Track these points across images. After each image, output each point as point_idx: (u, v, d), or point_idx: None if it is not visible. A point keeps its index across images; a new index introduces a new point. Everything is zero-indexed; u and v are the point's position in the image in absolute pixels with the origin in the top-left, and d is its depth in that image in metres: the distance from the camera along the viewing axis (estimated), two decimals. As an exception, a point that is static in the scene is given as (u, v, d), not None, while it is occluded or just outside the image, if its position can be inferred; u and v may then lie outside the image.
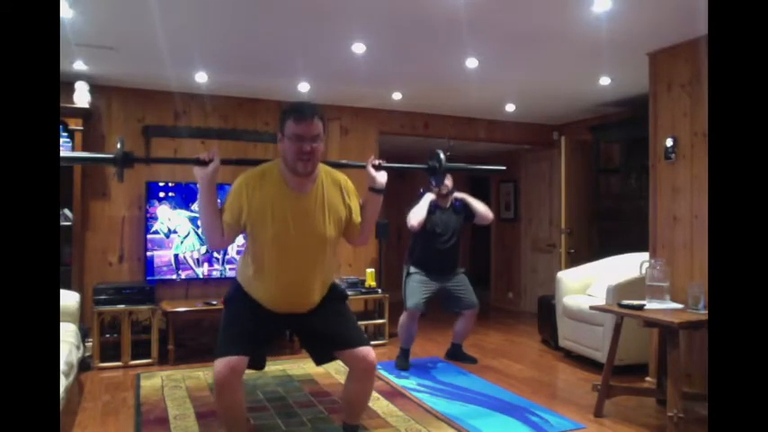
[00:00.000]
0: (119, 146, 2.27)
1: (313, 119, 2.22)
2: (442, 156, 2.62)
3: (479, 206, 4.36)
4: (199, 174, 2.24)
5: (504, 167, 3.25)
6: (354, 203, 2.42)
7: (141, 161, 2.58)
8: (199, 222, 2.34)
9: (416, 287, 4.23)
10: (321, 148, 2.26)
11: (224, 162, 2.33)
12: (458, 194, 4.40)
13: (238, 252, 4.89)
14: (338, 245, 2.48)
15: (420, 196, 4.30)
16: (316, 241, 2.31)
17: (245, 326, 2.32)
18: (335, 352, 2.44)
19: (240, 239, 2.65)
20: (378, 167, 2.42)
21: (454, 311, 4.42)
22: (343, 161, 2.68)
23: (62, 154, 2.60)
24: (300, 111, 2.23)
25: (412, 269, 4.30)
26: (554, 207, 6.43)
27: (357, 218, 2.42)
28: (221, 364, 2.21)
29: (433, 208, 4.23)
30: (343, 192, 2.39)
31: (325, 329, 2.42)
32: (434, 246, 4.23)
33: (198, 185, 2.29)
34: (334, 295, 2.51)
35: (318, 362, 2.56)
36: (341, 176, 2.43)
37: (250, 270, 2.35)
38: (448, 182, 4.29)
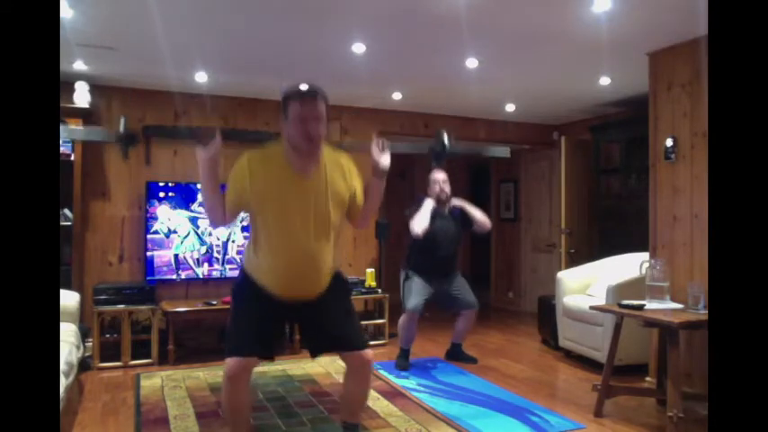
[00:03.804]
0: (121, 125, 2.27)
1: (317, 99, 2.22)
2: (445, 138, 2.60)
3: (477, 214, 4.35)
4: (201, 154, 2.24)
5: (508, 150, 3.18)
6: (357, 184, 2.42)
7: (146, 133, 2.56)
8: (200, 198, 2.33)
9: (415, 289, 4.22)
10: (325, 128, 2.26)
11: (225, 136, 2.30)
12: (456, 201, 4.39)
13: (239, 252, 4.90)
14: (343, 230, 2.47)
15: (419, 201, 4.29)
16: (320, 223, 2.31)
17: (254, 319, 2.32)
18: (336, 351, 2.45)
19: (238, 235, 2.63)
20: (382, 149, 2.40)
21: (454, 312, 4.42)
22: (347, 143, 2.65)
23: (65, 128, 2.61)
24: (303, 92, 2.22)
25: (411, 273, 4.30)
26: (554, 207, 6.43)
27: (360, 199, 2.42)
28: (234, 362, 2.22)
29: (432, 215, 4.21)
30: (345, 172, 2.39)
31: (329, 328, 2.42)
32: (433, 253, 4.22)
33: (199, 165, 2.27)
34: (340, 286, 2.49)
35: (314, 355, 2.59)
36: (343, 157, 2.42)
37: (256, 255, 2.34)
38: (446, 187, 4.29)
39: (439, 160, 2.77)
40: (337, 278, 2.48)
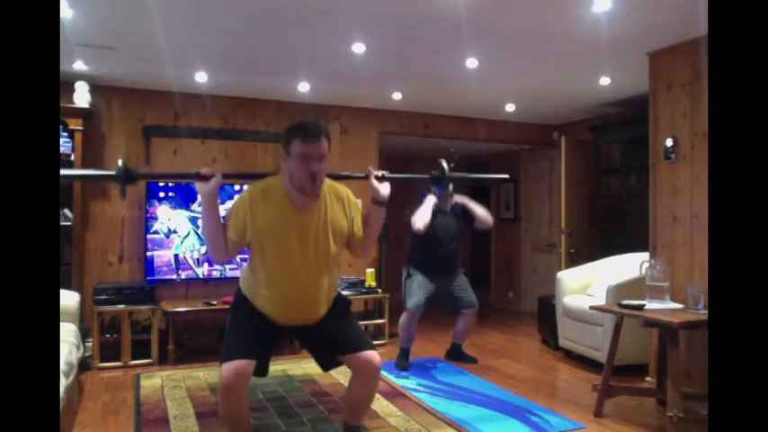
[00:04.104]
0: (120, 163, 2.25)
1: (320, 138, 2.20)
2: (445, 165, 2.60)
3: (480, 210, 4.35)
4: (201, 189, 2.22)
5: (507, 177, 3.20)
6: (357, 217, 2.42)
7: (143, 177, 2.54)
8: (201, 234, 2.33)
9: (417, 288, 4.23)
10: (327, 167, 2.25)
11: (226, 176, 2.31)
12: (458, 198, 4.39)
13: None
14: (341, 256, 2.48)
15: (422, 197, 4.30)
16: (320, 258, 2.31)
17: (251, 330, 2.32)
18: (341, 356, 2.43)
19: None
20: (381, 179, 2.38)
21: (454, 311, 4.42)
22: (346, 173, 2.65)
23: (63, 173, 2.57)
24: (307, 130, 2.21)
25: (412, 270, 4.30)
26: (554, 207, 6.43)
27: (359, 232, 2.42)
28: (228, 367, 2.19)
29: (434, 211, 4.22)
30: (345, 206, 2.38)
31: (330, 335, 2.42)
32: (435, 250, 4.22)
33: (200, 200, 2.28)
34: (339, 304, 2.51)
35: (325, 368, 2.58)
36: (344, 190, 2.42)
37: (256, 285, 2.35)
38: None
39: (439, 186, 2.78)
40: (337, 299, 2.49)
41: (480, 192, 7.85)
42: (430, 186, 4.08)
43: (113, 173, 2.24)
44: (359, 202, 2.52)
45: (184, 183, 4.75)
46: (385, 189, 2.37)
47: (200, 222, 2.32)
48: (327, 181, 2.36)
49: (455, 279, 4.33)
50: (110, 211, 4.78)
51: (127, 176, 2.24)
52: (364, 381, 2.42)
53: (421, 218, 4.15)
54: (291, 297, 2.32)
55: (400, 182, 2.76)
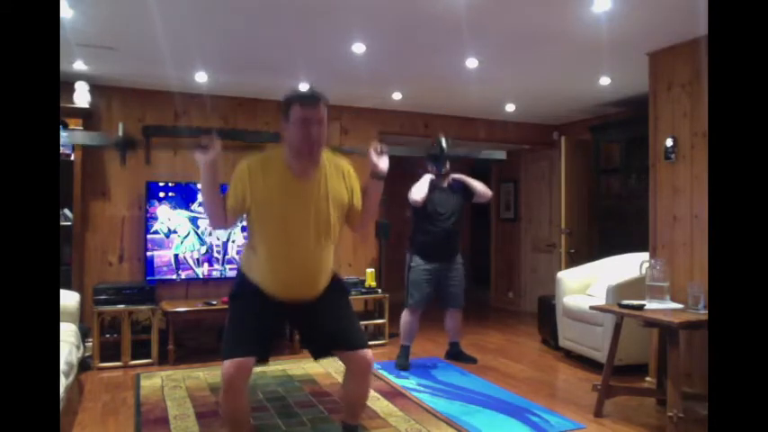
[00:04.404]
0: (120, 131, 2.28)
1: (319, 102, 2.25)
2: (444, 142, 2.61)
3: (477, 184, 4.41)
4: (200, 159, 2.25)
5: (504, 155, 3.17)
6: (356, 189, 2.44)
7: (148, 135, 2.56)
8: (200, 200, 2.35)
9: (419, 282, 4.24)
10: (326, 132, 2.28)
11: (225, 136, 2.32)
12: (455, 175, 4.43)
13: (239, 252, 4.90)
14: (341, 232, 2.47)
15: (419, 177, 4.35)
16: (320, 226, 2.32)
17: (251, 324, 2.32)
18: (336, 352, 2.45)
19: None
20: (380, 153, 2.43)
21: (443, 306, 4.44)
22: (346, 147, 2.66)
23: (63, 135, 2.61)
24: (305, 96, 2.26)
25: (414, 262, 4.30)
26: (554, 207, 6.42)
27: (358, 203, 2.44)
28: (230, 364, 2.20)
29: (431, 188, 4.27)
30: (345, 177, 2.41)
31: (328, 328, 2.42)
32: (436, 225, 4.26)
33: (200, 170, 2.28)
34: (338, 286, 2.50)
35: (316, 357, 2.59)
36: (343, 162, 2.44)
37: (255, 257, 2.34)
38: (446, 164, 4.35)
39: (437, 163, 2.77)
40: (335, 280, 2.49)
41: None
42: (432, 170, 4.09)
43: (113, 138, 2.26)
44: None
45: (184, 184, 4.75)
46: (384, 163, 2.41)
47: (199, 193, 2.34)
48: (327, 153, 2.39)
49: (453, 268, 4.34)
50: (110, 211, 4.78)
51: (126, 143, 2.26)
52: (357, 378, 2.45)
53: (418, 191, 4.21)
54: (292, 267, 2.30)
55: (400, 182, 2.76)
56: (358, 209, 2.44)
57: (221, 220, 2.30)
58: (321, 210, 2.30)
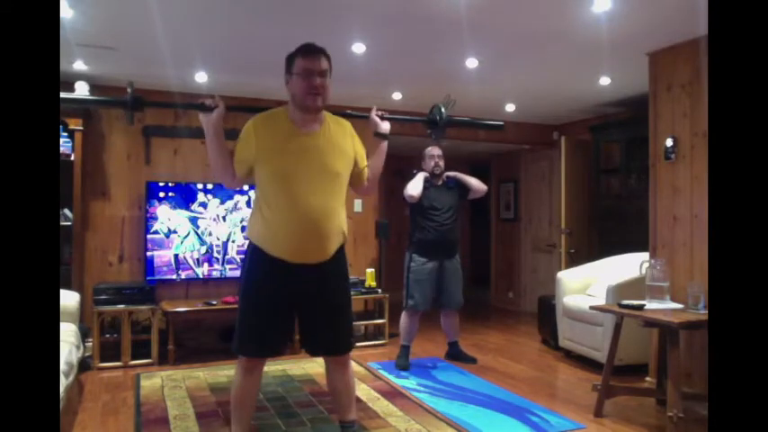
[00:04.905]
0: (129, 90, 2.35)
1: (321, 54, 2.30)
2: (442, 109, 2.64)
3: (471, 180, 4.46)
4: (203, 120, 2.30)
5: (502, 125, 3.13)
6: (359, 148, 2.50)
7: (151, 105, 2.62)
8: (209, 162, 2.39)
9: (419, 282, 4.24)
10: (329, 85, 2.32)
11: (230, 109, 2.37)
12: (449, 173, 4.47)
13: (239, 252, 4.90)
14: (346, 192, 2.46)
15: (414, 175, 4.38)
16: (327, 177, 2.34)
17: (263, 317, 2.34)
18: (326, 355, 2.53)
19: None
20: (381, 117, 2.54)
21: (438, 305, 4.44)
22: (347, 111, 2.70)
23: (65, 96, 2.65)
24: (308, 47, 2.30)
25: (413, 261, 4.30)
26: (554, 207, 6.43)
27: (363, 162, 2.50)
28: (245, 360, 2.37)
29: (427, 185, 4.29)
30: (348, 133, 2.47)
31: (323, 328, 2.43)
32: (434, 221, 4.27)
33: (205, 131, 2.33)
34: (342, 264, 2.48)
35: (313, 354, 2.65)
36: (346, 122, 2.51)
37: (263, 219, 2.32)
38: (440, 162, 4.40)
39: (436, 132, 2.76)
40: (341, 253, 2.46)
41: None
42: (429, 136, 4.11)
43: (123, 99, 2.33)
44: None
45: (184, 183, 4.75)
46: (386, 124, 2.54)
47: (208, 151, 2.40)
48: (329, 113, 2.45)
49: (452, 267, 4.34)
50: (110, 211, 4.78)
51: (135, 103, 2.33)
52: (338, 373, 2.52)
53: (413, 186, 4.26)
54: (300, 221, 2.27)
55: (400, 181, 2.78)
56: (362, 169, 2.50)
57: (230, 176, 2.35)
58: (327, 161, 2.34)
